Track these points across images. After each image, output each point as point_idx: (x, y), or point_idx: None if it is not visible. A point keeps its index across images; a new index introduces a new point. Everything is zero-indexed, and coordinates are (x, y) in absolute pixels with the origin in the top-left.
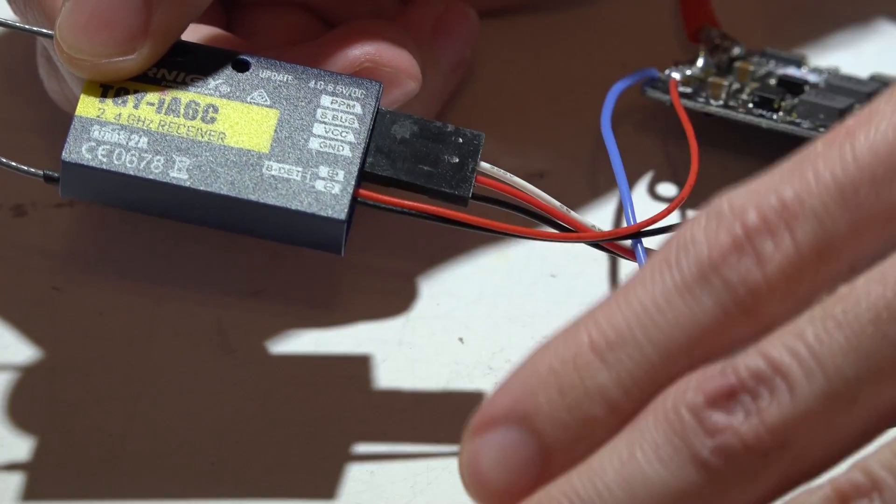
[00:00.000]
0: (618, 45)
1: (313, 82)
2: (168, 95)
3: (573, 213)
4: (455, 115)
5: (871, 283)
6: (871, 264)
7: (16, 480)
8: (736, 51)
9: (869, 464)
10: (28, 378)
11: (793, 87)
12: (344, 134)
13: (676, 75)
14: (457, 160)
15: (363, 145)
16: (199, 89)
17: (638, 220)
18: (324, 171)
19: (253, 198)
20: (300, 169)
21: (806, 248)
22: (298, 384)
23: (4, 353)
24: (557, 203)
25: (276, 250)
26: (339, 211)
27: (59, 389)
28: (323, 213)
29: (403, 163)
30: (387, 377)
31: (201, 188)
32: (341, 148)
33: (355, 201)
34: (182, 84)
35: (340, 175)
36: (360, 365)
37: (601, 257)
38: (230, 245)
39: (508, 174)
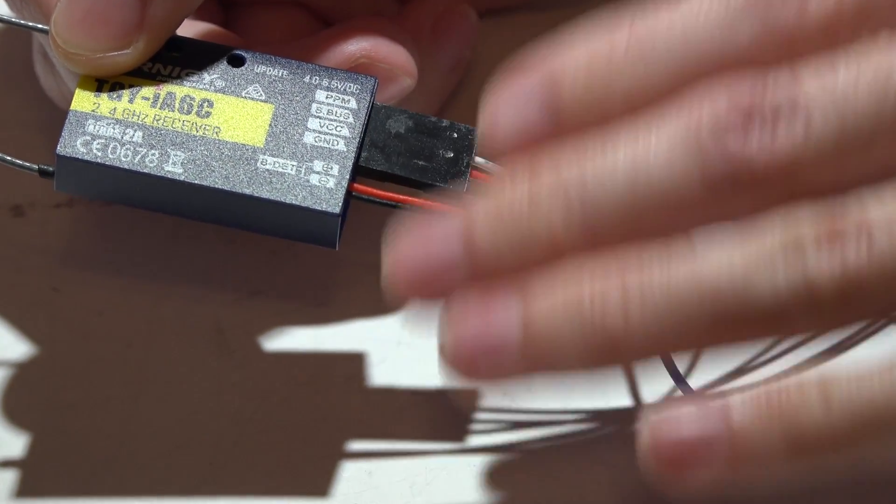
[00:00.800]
0: None
1: (308, 77)
2: (163, 90)
3: None
4: (454, 114)
5: None
6: None
7: (14, 480)
8: None
9: (869, 208)
10: (27, 378)
11: None
12: (339, 128)
13: None
14: (451, 155)
15: (358, 140)
16: (194, 84)
17: None
18: (318, 165)
19: (247, 191)
20: (295, 163)
21: (848, 3)
22: (297, 384)
23: (3, 353)
24: None
25: (275, 250)
26: (334, 205)
27: (58, 389)
28: (317, 207)
29: (398, 157)
30: (385, 377)
31: (196, 182)
32: (336, 142)
33: (350, 195)
34: (177, 79)
35: (335, 169)
36: (358, 365)
37: None
38: (229, 245)
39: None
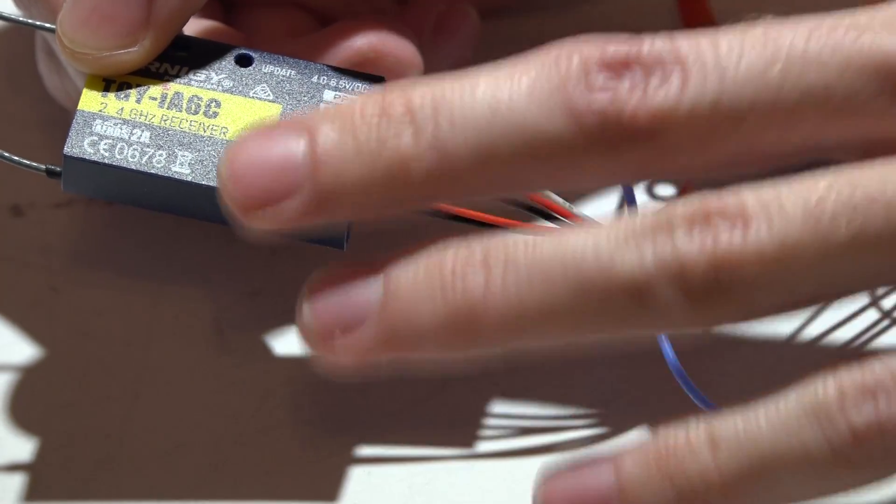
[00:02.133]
0: None
1: (316, 77)
2: (170, 90)
3: (577, 210)
4: None
5: (801, 28)
6: None
7: (13, 480)
8: None
9: (745, 196)
10: (26, 378)
11: None
12: None
13: None
14: None
15: None
16: (201, 84)
17: None
18: None
19: None
20: None
21: None
22: (296, 384)
23: (2, 353)
24: (562, 200)
25: (275, 250)
26: None
27: (57, 389)
28: None
29: None
30: (384, 377)
31: (203, 182)
32: None
33: None
34: (184, 79)
35: None
36: None
37: None
38: (228, 245)
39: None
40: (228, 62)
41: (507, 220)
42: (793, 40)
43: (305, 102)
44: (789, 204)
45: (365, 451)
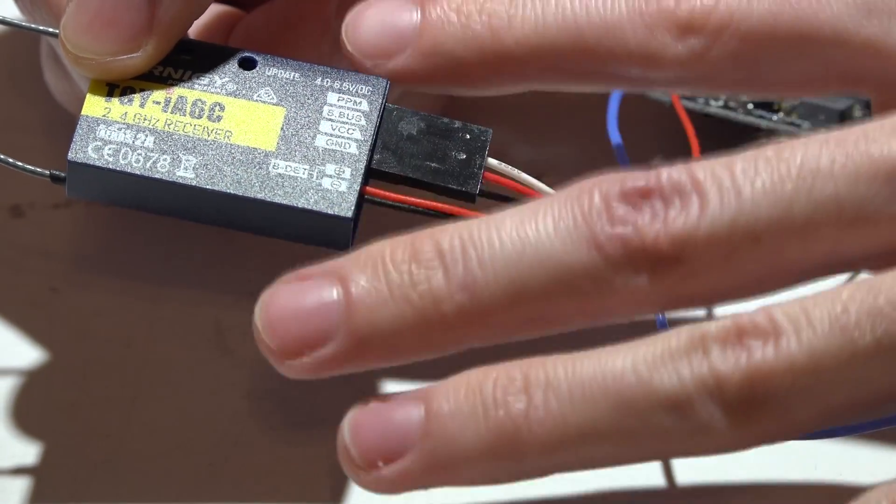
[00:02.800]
0: None
1: (320, 79)
2: (174, 94)
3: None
4: (458, 114)
5: (811, 144)
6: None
7: (13, 480)
8: None
9: (774, 311)
10: (25, 378)
11: None
12: (351, 131)
13: None
14: (464, 156)
15: (370, 142)
16: (205, 87)
17: None
18: (331, 168)
19: (260, 196)
20: (307, 167)
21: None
22: (296, 384)
23: (2, 354)
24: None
25: (274, 250)
26: (346, 209)
27: (57, 390)
28: (330, 211)
29: (410, 159)
30: (384, 378)
31: (207, 187)
32: (348, 145)
33: (362, 198)
34: (188, 82)
35: (347, 172)
36: None
37: None
38: (227, 246)
39: (516, 170)
40: (232, 65)
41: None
42: (803, 156)
43: (310, 105)
44: (816, 315)
45: None
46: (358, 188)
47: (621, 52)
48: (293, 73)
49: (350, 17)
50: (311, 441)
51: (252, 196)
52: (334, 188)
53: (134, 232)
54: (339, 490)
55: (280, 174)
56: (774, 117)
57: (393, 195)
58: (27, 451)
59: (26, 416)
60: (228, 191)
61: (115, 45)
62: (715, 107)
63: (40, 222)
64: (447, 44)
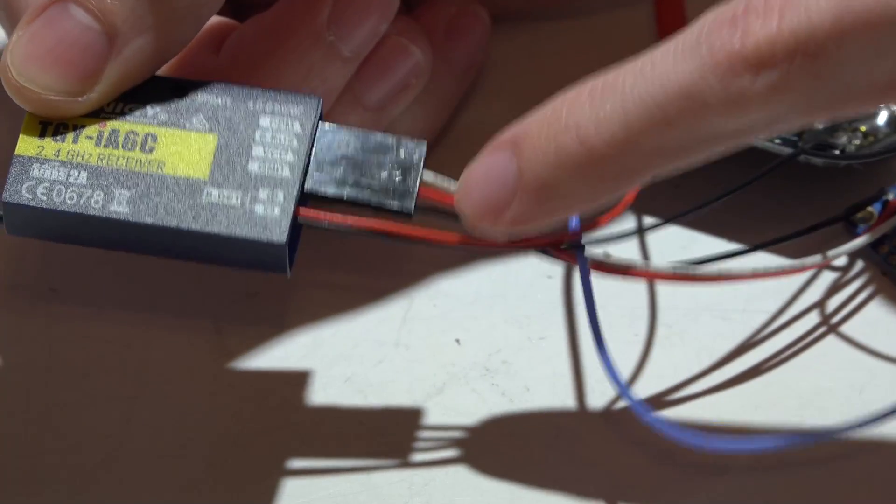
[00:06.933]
0: (619, 51)
1: (251, 103)
2: (107, 127)
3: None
4: (466, 116)
5: None
6: None
7: (13, 480)
8: None
9: None
10: (25, 379)
11: None
12: (283, 154)
13: None
14: (399, 172)
15: (303, 164)
16: (137, 119)
17: (580, 225)
18: (263, 193)
19: (194, 227)
20: (240, 193)
21: None
22: (295, 385)
23: (2, 354)
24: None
25: None
26: (280, 234)
27: (56, 391)
28: (263, 238)
29: (345, 179)
30: (384, 378)
31: (141, 221)
32: (281, 169)
33: (297, 222)
34: (121, 114)
35: (280, 196)
36: (356, 366)
37: None
38: None
39: (453, 183)
40: (164, 94)
41: (449, 236)
42: None
43: (241, 130)
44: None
45: (363, 451)
46: (291, 212)
47: (702, 109)
48: (224, 99)
49: (461, 184)
50: (311, 441)
51: (186, 228)
52: (267, 214)
53: None
54: (336, 490)
55: (213, 203)
56: None
57: (328, 216)
58: (28, 451)
59: (27, 416)
60: (162, 223)
61: (61, 84)
62: None
63: None
64: (545, 172)
